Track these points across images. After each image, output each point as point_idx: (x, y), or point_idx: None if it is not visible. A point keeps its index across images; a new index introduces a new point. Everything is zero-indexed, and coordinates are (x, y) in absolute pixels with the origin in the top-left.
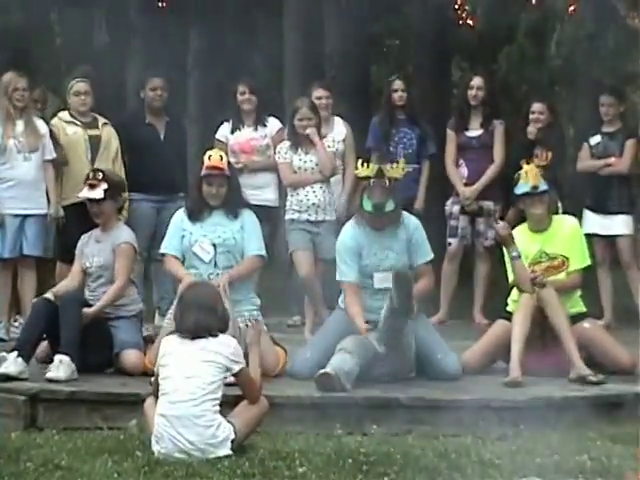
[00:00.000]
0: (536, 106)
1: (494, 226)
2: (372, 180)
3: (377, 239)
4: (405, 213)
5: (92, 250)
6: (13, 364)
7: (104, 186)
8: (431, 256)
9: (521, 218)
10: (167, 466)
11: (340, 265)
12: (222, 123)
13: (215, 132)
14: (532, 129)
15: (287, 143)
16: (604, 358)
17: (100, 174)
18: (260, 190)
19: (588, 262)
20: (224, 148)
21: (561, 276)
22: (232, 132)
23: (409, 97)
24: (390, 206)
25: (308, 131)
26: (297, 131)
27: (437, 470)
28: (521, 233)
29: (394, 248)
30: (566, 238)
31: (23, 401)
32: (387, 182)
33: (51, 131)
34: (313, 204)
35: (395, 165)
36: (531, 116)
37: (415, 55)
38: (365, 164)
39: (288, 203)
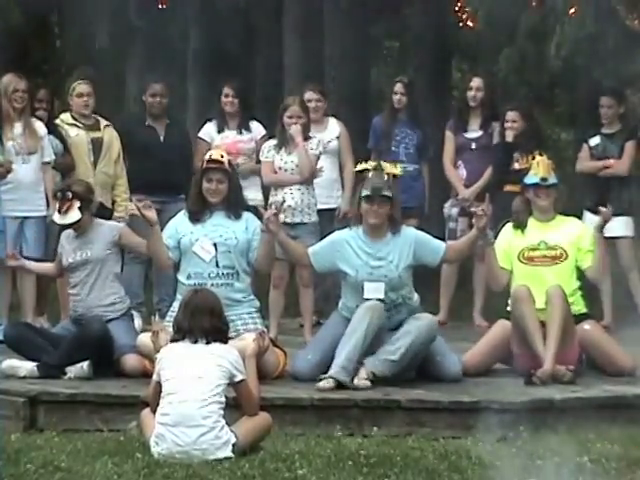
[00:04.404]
0: (510, 114)
1: (472, 210)
2: (370, 172)
3: (370, 248)
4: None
5: (73, 246)
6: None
7: (77, 204)
8: (444, 245)
9: (528, 208)
10: (167, 468)
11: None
12: (205, 122)
13: (198, 131)
14: (510, 133)
15: (272, 142)
16: (604, 360)
17: (69, 194)
18: (245, 190)
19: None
20: (207, 147)
21: (568, 270)
22: (218, 132)
23: (410, 100)
24: (388, 192)
25: (292, 129)
26: (285, 128)
27: (437, 472)
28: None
29: (388, 257)
30: (572, 235)
31: (23, 403)
32: (385, 176)
33: (60, 133)
34: (289, 206)
35: (394, 164)
36: (506, 124)
37: (415, 56)
38: (364, 161)
39: (268, 203)
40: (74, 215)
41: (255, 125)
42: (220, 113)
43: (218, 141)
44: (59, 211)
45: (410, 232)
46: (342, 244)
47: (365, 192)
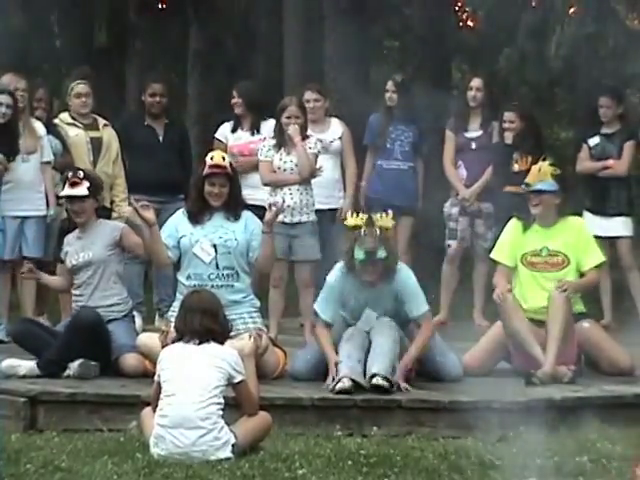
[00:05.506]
0: (507, 115)
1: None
2: (363, 229)
3: (365, 293)
4: (399, 265)
5: (76, 248)
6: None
7: (86, 184)
8: (426, 307)
9: None
10: (167, 468)
11: (322, 295)
12: (222, 123)
13: (215, 132)
14: (508, 134)
15: (270, 142)
16: (603, 358)
17: (81, 173)
18: (253, 190)
19: (602, 259)
20: (223, 148)
21: (569, 276)
22: (232, 132)
23: (404, 98)
24: (382, 253)
25: (290, 130)
26: (283, 129)
27: (437, 472)
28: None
29: (382, 304)
30: (571, 238)
31: (23, 403)
32: (378, 231)
33: (59, 132)
34: (288, 206)
35: (384, 215)
36: (504, 124)
37: (415, 56)
38: (355, 214)
39: (267, 204)
40: (82, 190)
41: (270, 124)
42: (234, 115)
43: (232, 142)
44: (67, 183)
45: (404, 273)
46: (340, 290)
47: (358, 255)
